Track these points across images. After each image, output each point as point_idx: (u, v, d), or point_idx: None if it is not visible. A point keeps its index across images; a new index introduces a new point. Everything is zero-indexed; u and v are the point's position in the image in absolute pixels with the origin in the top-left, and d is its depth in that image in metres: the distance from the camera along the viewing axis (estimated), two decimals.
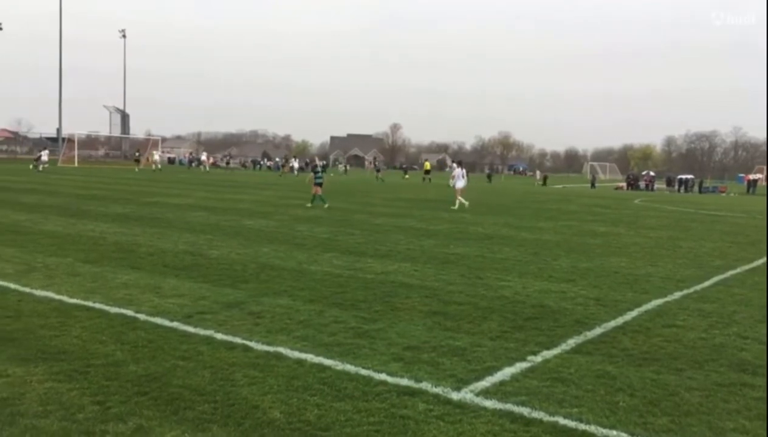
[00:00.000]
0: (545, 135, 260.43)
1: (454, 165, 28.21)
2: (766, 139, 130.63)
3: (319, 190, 24.37)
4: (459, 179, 25.89)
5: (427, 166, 67.31)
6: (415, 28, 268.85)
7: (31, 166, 54.47)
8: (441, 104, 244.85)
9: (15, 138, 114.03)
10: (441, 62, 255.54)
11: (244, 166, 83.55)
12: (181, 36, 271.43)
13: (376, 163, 77.06)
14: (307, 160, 72.60)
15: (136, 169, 59.67)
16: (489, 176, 75.40)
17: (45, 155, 56.63)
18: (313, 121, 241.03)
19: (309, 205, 23.93)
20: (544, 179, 68.73)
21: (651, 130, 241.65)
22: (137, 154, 69.38)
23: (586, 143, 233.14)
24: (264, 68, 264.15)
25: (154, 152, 69.03)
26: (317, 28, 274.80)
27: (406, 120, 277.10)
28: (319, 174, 24.88)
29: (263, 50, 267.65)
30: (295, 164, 66.70)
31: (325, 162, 32.53)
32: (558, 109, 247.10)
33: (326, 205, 23.56)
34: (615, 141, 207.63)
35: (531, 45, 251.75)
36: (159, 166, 63.52)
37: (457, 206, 25.43)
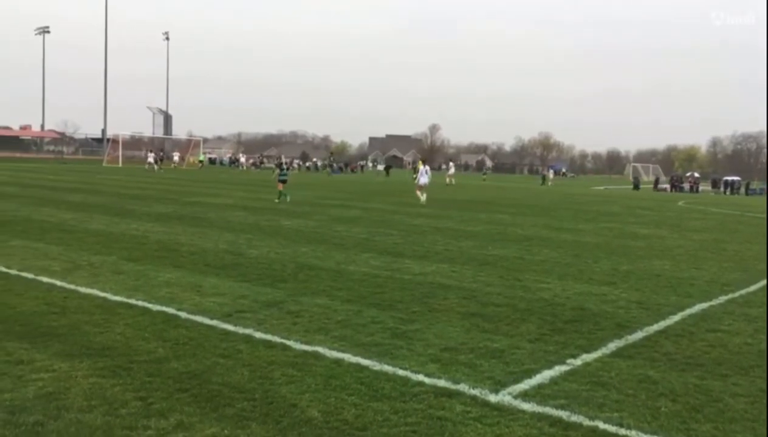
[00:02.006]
0: (586, 135, 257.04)
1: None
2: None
3: (281, 186, 25.78)
4: (423, 176, 27.51)
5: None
6: (461, 30, 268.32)
7: (156, 169, 56.45)
8: (478, 105, 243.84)
9: (62, 138, 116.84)
10: (479, 62, 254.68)
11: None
12: (221, 39, 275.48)
13: (331, 159, 79.10)
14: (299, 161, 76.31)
15: (156, 168, 61.46)
16: (543, 178, 71.15)
17: (151, 158, 58.85)
18: (353, 122, 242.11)
19: (277, 200, 25.30)
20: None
21: (696, 130, 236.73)
22: (161, 153, 72.50)
23: (629, 144, 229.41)
24: (297, 71, 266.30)
25: (170, 153, 72.59)
26: (358, 30, 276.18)
27: (446, 121, 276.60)
28: (284, 171, 26.74)
29: (302, 52, 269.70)
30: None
31: (288, 161, 35.18)
32: (598, 109, 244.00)
33: (288, 199, 25.01)
34: (658, 142, 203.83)
35: (580, 43, 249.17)
36: (175, 166, 66.52)
37: (423, 200, 26.99)
